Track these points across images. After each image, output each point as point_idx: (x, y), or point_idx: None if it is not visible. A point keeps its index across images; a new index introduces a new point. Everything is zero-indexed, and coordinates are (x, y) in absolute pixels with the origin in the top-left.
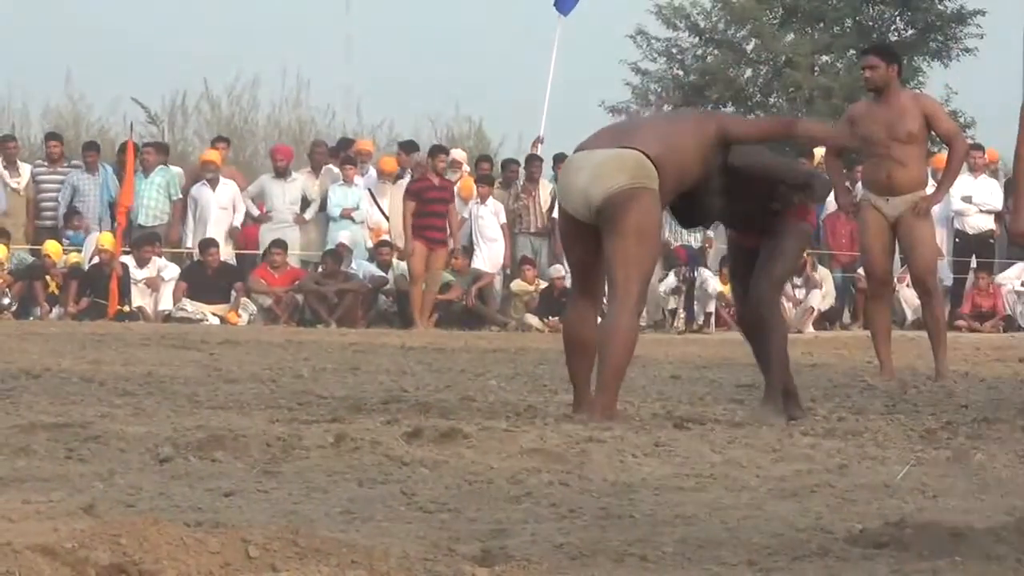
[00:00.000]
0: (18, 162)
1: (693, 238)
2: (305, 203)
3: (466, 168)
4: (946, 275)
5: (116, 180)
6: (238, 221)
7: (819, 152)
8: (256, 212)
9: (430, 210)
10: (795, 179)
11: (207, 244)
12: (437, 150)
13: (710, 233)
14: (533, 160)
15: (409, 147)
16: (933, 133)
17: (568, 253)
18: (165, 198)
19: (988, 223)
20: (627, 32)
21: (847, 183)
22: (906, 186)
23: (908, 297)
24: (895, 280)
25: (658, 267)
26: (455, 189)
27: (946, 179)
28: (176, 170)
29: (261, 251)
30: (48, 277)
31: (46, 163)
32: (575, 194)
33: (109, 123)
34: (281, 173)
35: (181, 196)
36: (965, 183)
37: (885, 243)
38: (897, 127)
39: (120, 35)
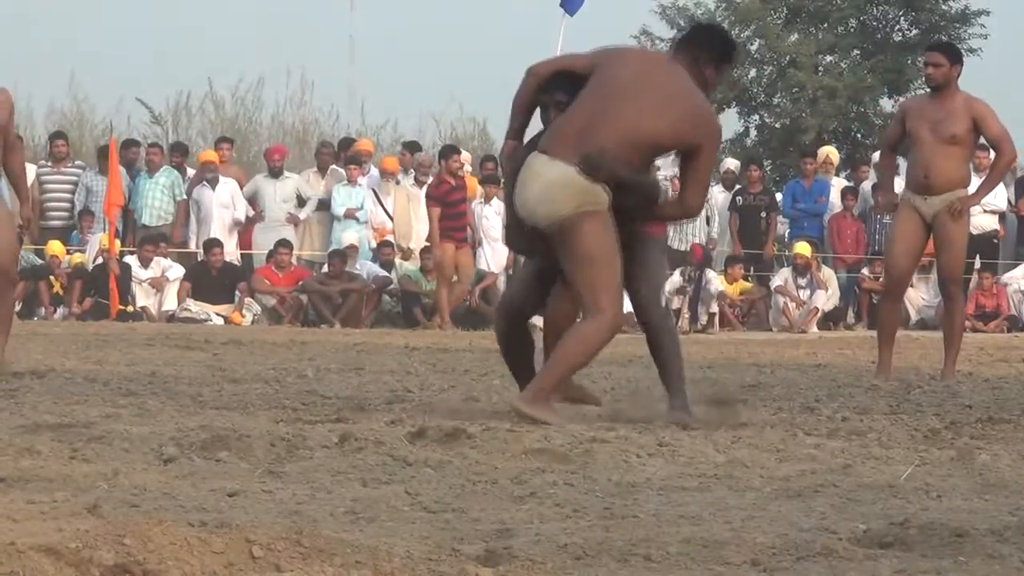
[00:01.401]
0: (24, 163)
1: (697, 237)
2: (300, 202)
3: (468, 168)
4: None
5: (127, 180)
6: (240, 214)
7: (823, 151)
8: (251, 212)
9: (454, 211)
10: (645, 190)
11: (211, 244)
12: (450, 151)
13: (714, 235)
14: None
15: (413, 147)
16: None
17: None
18: (169, 198)
19: (992, 223)
20: (631, 32)
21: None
22: (944, 186)
23: (912, 297)
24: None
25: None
26: None
27: (988, 182)
28: (189, 172)
29: (256, 251)
30: (52, 278)
31: (49, 163)
32: (525, 205)
33: (113, 124)
34: (275, 172)
35: (185, 197)
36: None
37: (910, 245)
38: (942, 127)
39: (124, 35)
